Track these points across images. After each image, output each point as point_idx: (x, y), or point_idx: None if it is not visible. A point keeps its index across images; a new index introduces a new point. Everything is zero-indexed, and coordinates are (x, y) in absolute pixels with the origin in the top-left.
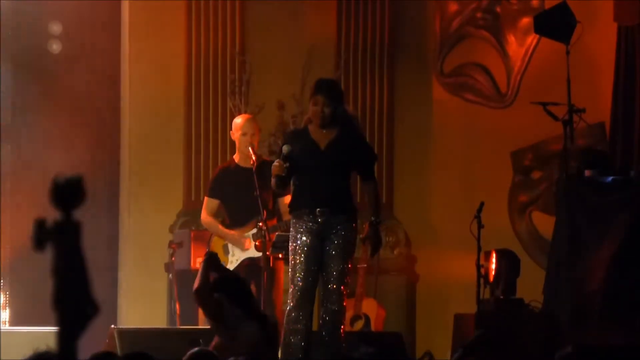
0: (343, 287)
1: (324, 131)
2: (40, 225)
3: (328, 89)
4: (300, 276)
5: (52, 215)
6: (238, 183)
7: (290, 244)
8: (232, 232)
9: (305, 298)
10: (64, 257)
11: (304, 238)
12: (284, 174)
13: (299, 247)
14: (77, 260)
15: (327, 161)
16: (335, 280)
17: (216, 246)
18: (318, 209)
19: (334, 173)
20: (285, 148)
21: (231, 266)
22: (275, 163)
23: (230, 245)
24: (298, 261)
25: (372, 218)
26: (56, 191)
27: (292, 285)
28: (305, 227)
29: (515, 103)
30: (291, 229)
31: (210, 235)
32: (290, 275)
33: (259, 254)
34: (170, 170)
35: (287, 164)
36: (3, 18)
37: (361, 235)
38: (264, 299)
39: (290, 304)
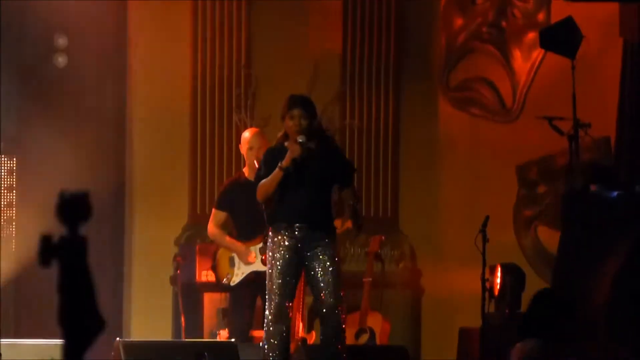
0: (338, 302)
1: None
2: (46, 240)
3: (303, 103)
4: (277, 291)
5: (57, 229)
6: (246, 196)
7: (267, 258)
8: (238, 243)
9: (281, 312)
10: (70, 272)
11: (282, 253)
12: (299, 159)
13: (277, 262)
14: (83, 275)
15: (306, 175)
16: (328, 296)
17: (222, 259)
18: (296, 224)
19: (313, 188)
20: (301, 137)
21: (237, 279)
22: (295, 146)
23: (236, 258)
24: (275, 276)
25: (351, 202)
26: (62, 206)
27: (268, 301)
28: (283, 242)
29: (520, 117)
30: (269, 243)
31: (215, 248)
32: (267, 290)
33: (265, 268)
34: (175, 184)
35: (305, 149)
36: (8, 29)
37: (348, 224)
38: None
39: (267, 318)
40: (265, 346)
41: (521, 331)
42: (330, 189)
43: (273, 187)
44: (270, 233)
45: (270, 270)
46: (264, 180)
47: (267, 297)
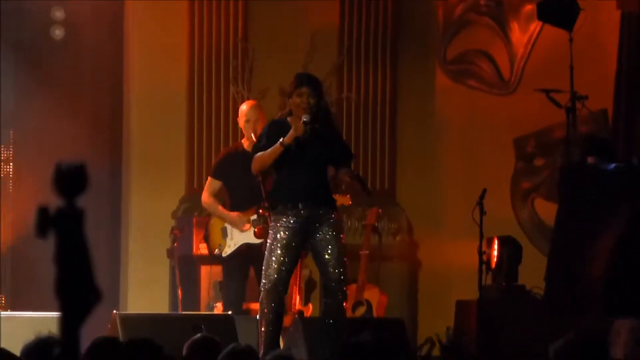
0: (343, 272)
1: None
2: (43, 212)
3: (311, 82)
4: (275, 271)
5: (54, 201)
6: (242, 167)
7: (268, 238)
8: (232, 213)
9: (276, 290)
10: (66, 244)
11: (284, 234)
12: (302, 137)
13: (278, 243)
14: (80, 247)
15: (307, 155)
16: (335, 266)
17: (215, 229)
18: (301, 203)
19: (314, 167)
20: (306, 117)
21: (229, 250)
22: (300, 124)
23: (228, 229)
24: (274, 257)
25: (349, 176)
26: (59, 178)
27: (264, 279)
28: (287, 223)
29: (518, 90)
30: (271, 224)
31: (208, 218)
32: (263, 269)
33: (258, 241)
34: (172, 156)
35: (308, 128)
36: (5, 4)
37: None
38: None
39: (263, 294)
40: (261, 321)
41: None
42: (327, 168)
43: (270, 161)
44: (273, 217)
45: (271, 246)
46: (261, 153)
47: (263, 270)
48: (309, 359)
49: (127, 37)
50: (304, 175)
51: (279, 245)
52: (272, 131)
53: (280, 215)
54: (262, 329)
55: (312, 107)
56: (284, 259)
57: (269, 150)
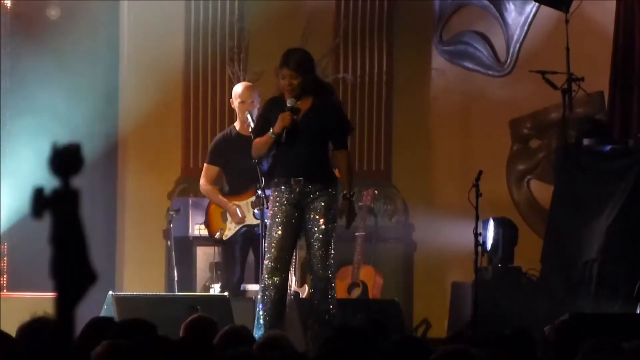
0: (328, 251)
1: (299, 101)
2: (38, 192)
3: (295, 61)
4: (275, 247)
5: (50, 182)
6: (238, 150)
7: (268, 214)
8: (229, 203)
9: (279, 267)
10: (62, 224)
11: (282, 209)
12: (290, 126)
13: (277, 218)
14: (76, 227)
15: (302, 131)
16: (319, 245)
17: (215, 214)
18: (293, 179)
19: (309, 143)
20: (290, 101)
21: (229, 232)
22: (285, 114)
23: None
24: (274, 232)
25: (344, 191)
26: (54, 158)
27: (266, 255)
28: (283, 198)
29: (514, 71)
30: (269, 202)
31: (209, 202)
32: (265, 246)
33: (257, 222)
34: (168, 137)
35: (295, 116)
36: None
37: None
38: (261, 265)
39: (264, 273)
40: (264, 298)
41: None
42: (326, 144)
43: (265, 149)
44: (269, 189)
45: (270, 224)
46: (257, 140)
47: (266, 250)
48: (304, 339)
49: (122, 19)
50: (299, 152)
51: (276, 222)
52: (268, 111)
53: (275, 189)
54: (264, 306)
55: (295, 89)
56: (283, 234)
57: (263, 139)
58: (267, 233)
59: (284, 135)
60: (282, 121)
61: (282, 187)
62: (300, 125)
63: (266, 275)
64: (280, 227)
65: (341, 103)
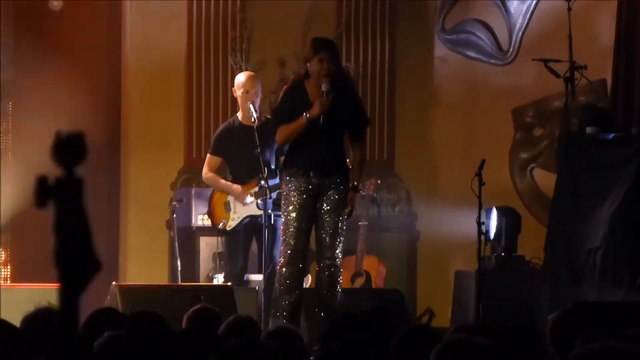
0: (338, 242)
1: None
2: (42, 182)
3: (330, 46)
4: (293, 234)
5: (53, 171)
6: (240, 141)
7: (282, 202)
8: (234, 184)
9: (296, 256)
10: (65, 214)
11: (297, 197)
12: (326, 112)
13: (292, 206)
14: (79, 217)
15: (324, 122)
16: (329, 235)
17: (218, 204)
18: (312, 171)
19: (329, 134)
20: (325, 86)
21: (233, 223)
22: (323, 100)
23: (232, 203)
24: (290, 219)
25: (355, 182)
26: (58, 147)
27: (283, 244)
28: (299, 186)
29: (516, 60)
30: (284, 187)
31: (212, 192)
32: (282, 234)
33: (260, 212)
34: (171, 127)
35: (330, 99)
36: None
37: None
38: (265, 256)
39: (281, 261)
40: (281, 288)
41: None
42: (343, 135)
43: (296, 134)
44: (286, 178)
45: (285, 215)
46: (285, 126)
47: (282, 240)
48: (308, 329)
49: (125, 9)
50: (319, 143)
51: (292, 209)
52: (289, 99)
53: (292, 179)
54: (284, 296)
55: (333, 73)
56: (299, 221)
57: (294, 123)
58: (283, 222)
59: (321, 120)
60: (320, 107)
61: (300, 177)
62: (322, 117)
63: (284, 264)
64: (297, 217)
65: (359, 97)
